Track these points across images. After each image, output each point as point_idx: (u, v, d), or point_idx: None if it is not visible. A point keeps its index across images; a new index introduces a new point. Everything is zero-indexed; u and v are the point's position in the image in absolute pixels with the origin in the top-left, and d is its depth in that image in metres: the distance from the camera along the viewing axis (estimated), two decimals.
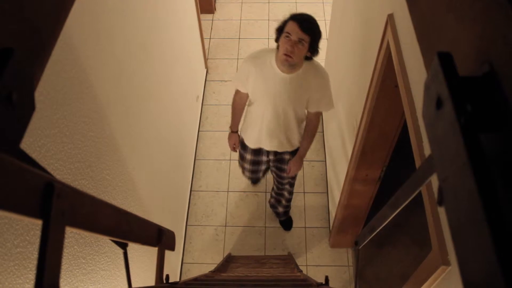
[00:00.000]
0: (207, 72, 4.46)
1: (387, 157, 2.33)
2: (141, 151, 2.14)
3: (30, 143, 1.03)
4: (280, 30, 2.13)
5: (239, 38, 4.78)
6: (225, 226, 3.50)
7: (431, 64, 0.50)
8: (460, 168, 0.42)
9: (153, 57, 2.40)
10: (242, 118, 2.71)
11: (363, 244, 1.38)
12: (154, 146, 2.44)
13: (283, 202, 3.24)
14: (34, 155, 1.04)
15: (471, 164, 0.41)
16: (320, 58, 4.41)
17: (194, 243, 3.40)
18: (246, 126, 2.64)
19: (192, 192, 3.65)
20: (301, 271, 2.67)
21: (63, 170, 1.22)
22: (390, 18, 1.59)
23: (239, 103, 2.61)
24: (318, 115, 2.48)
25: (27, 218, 0.53)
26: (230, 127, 2.75)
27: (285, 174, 2.78)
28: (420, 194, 0.96)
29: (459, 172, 0.43)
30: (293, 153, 2.67)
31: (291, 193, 3.18)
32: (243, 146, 2.77)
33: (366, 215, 2.88)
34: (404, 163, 2.43)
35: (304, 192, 3.57)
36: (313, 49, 2.15)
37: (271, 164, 2.89)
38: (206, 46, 4.62)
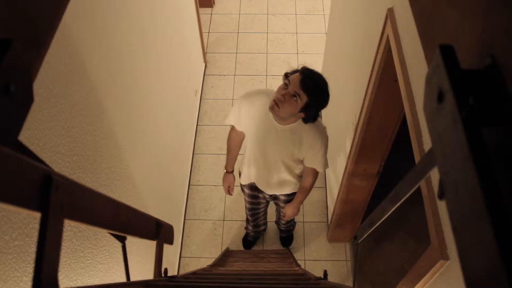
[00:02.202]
0: (205, 66, 4.45)
1: (386, 152, 2.33)
2: (140, 145, 2.13)
3: (28, 136, 1.03)
4: (286, 76, 1.93)
5: (238, 32, 4.77)
6: (223, 220, 3.51)
7: (432, 57, 0.50)
8: (461, 161, 0.42)
9: (152, 51, 2.39)
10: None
11: (362, 238, 1.38)
12: (153, 140, 2.44)
13: (282, 226, 3.27)
14: (32, 148, 1.03)
15: (473, 158, 0.40)
16: (319, 53, 4.42)
17: (192, 237, 3.40)
18: (244, 161, 2.46)
19: (190, 186, 3.66)
20: (299, 265, 2.68)
21: (62, 163, 1.22)
22: (390, 12, 1.58)
23: (235, 141, 2.39)
24: (314, 172, 2.29)
25: (25, 211, 0.53)
26: (225, 166, 2.53)
27: (282, 216, 2.66)
28: (418, 189, 0.96)
29: (460, 166, 0.43)
30: (289, 195, 2.57)
31: (291, 225, 3.21)
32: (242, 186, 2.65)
33: (364, 209, 2.88)
34: (403, 157, 2.43)
35: None
36: (307, 113, 1.93)
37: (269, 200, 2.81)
38: (205, 40, 4.60)
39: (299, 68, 1.92)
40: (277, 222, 3.27)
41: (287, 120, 2.01)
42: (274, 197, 2.65)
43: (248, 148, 2.30)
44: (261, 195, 2.66)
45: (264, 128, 2.10)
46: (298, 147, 2.11)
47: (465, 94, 0.44)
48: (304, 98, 1.85)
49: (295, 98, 1.85)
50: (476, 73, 0.51)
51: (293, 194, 2.52)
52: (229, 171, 2.54)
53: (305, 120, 1.98)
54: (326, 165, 2.22)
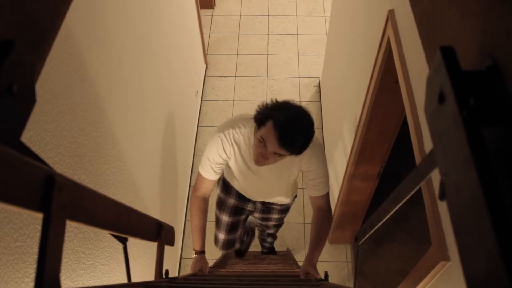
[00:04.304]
0: (206, 67, 4.46)
1: (387, 153, 2.34)
2: (141, 146, 2.13)
3: (29, 137, 1.03)
4: (259, 122, 1.59)
5: (238, 34, 4.77)
6: None
7: (433, 59, 0.50)
8: (462, 162, 0.42)
9: (153, 52, 2.39)
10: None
11: (363, 239, 1.38)
12: (154, 141, 2.44)
13: (267, 244, 3.11)
14: (33, 149, 1.03)
15: (474, 158, 0.41)
16: (320, 54, 4.42)
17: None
18: (228, 177, 2.16)
19: (191, 188, 3.65)
20: (300, 267, 2.67)
21: (63, 164, 1.22)
22: (391, 14, 1.59)
23: (202, 207, 1.91)
24: (325, 205, 1.87)
25: (27, 211, 0.53)
26: (194, 246, 1.99)
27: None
28: (419, 190, 0.96)
29: (461, 166, 0.43)
30: (283, 206, 2.32)
31: (275, 237, 2.97)
32: (227, 188, 2.26)
33: (365, 211, 2.88)
34: (404, 159, 2.43)
35: (303, 188, 3.56)
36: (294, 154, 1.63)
37: (255, 214, 2.45)
38: (206, 42, 4.61)
39: (270, 113, 1.55)
40: (262, 241, 3.08)
41: None
42: (267, 208, 2.33)
43: (235, 176, 2.01)
44: (247, 206, 2.33)
45: (256, 166, 1.78)
46: (297, 167, 1.84)
47: (466, 95, 0.44)
48: (287, 153, 1.58)
49: (277, 155, 1.59)
50: (477, 74, 0.51)
51: (287, 205, 2.33)
52: (200, 251, 2.00)
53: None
54: (328, 185, 1.89)
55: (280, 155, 1.58)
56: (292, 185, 2.09)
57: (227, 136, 1.76)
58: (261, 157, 1.60)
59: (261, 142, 1.56)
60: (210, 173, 1.84)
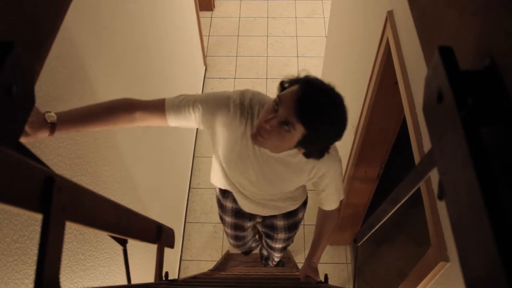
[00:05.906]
0: (206, 69, 4.46)
1: (386, 155, 2.34)
2: (140, 148, 2.13)
3: None
4: (281, 87, 1.29)
5: (238, 36, 4.78)
6: None
7: (431, 59, 0.50)
8: (460, 161, 0.42)
9: (152, 54, 2.40)
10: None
11: (362, 241, 1.38)
12: (153, 143, 2.44)
13: (271, 263, 2.83)
14: (33, 150, 1.04)
15: (472, 157, 0.41)
16: (319, 56, 4.43)
17: (192, 240, 3.40)
18: (215, 176, 1.81)
19: (190, 190, 3.65)
20: (299, 269, 2.67)
21: (62, 165, 1.22)
22: (390, 15, 1.59)
23: (124, 115, 1.29)
24: (333, 214, 1.69)
25: (27, 212, 0.53)
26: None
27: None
28: (418, 192, 0.96)
29: (459, 166, 0.43)
30: (287, 215, 1.97)
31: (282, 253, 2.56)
32: (221, 206, 2.02)
33: (365, 213, 2.88)
34: (403, 160, 2.43)
35: None
36: (308, 148, 1.31)
37: (259, 227, 2.25)
38: (205, 44, 4.61)
39: (301, 77, 1.26)
40: (266, 259, 2.78)
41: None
42: (269, 225, 2.10)
43: (222, 172, 1.66)
44: (246, 224, 2.13)
45: (254, 154, 1.45)
46: (302, 175, 1.52)
47: (464, 94, 0.44)
48: (300, 129, 1.20)
49: (286, 128, 1.20)
50: (475, 73, 0.51)
51: (291, 213, 1.97)
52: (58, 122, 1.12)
53: (307, 156, 1.36)
54: (341, 195, 1.65)
55: (289, 131, 1.20)
56: (295, 191, 1.78)
57: (239, 104, 1.38)
58: (264, 126, 1.21)
59: (276, 103, 1.21)
60: (173, 109, 1.41)
